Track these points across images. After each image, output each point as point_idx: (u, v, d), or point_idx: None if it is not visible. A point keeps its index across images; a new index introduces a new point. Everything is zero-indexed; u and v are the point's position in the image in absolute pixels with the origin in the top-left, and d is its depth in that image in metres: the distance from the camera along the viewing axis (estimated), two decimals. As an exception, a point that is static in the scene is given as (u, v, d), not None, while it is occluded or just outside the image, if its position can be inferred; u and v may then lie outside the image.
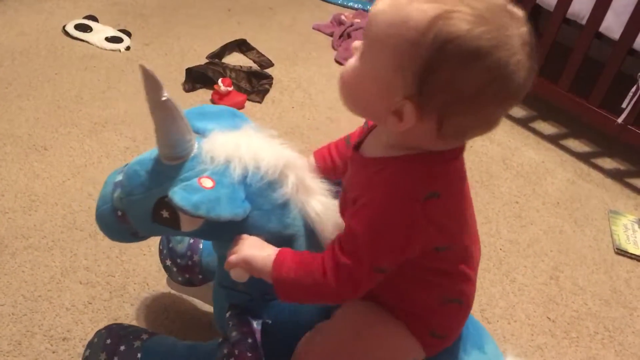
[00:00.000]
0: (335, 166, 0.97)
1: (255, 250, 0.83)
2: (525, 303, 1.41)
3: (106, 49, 1.98)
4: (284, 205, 0.86)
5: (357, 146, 0.85)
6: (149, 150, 0.88)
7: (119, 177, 0.90)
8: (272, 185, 0.85)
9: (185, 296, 1.24)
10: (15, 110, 1.66)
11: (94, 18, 2.09)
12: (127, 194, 0.87)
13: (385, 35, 0.70)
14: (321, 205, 0.88)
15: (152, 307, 1.22)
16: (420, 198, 0.74)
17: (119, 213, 0.89)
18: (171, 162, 0.84)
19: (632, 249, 1.60)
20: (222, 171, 0.83)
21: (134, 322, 1.19)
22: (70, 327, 1.15)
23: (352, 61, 0.76)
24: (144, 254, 1.32)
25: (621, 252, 1.60)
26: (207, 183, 0.81)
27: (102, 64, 1.91)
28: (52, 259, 1.27)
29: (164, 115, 0.81)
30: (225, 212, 0.80)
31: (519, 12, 0.71)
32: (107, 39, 2.00)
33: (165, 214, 0.85)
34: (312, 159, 0.99)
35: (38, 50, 1.93)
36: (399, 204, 0.74)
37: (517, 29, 0.69)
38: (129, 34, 2.06)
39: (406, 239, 0.76)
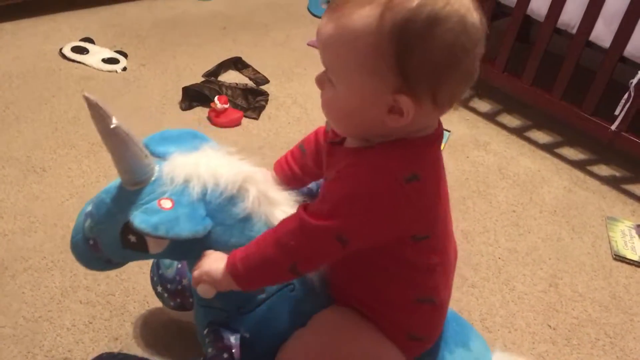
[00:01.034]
0: (294, 174, 0.99)
1: (216, 263, 0.84)
2: (525, 311, 1.41)
3: (103, 70, 2.00)
4: (247, 219, 0.88)
5: (339, 142, 0.85)
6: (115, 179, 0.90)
7: (89, 208, 0.92)
8: (233, 200, 0.87)
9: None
10: (14, 133, 1.68)
11: (90, 40, 2.11)
12: (96, 223, 0.89)
13: (345, 55, 0.72)
14: (285, 216, 0.89)
15: (152, 325, 1.22)
16: (401, 179, 0.74)
17: (91, 242, 0.91)
18: (133, 188, 0.86)
19: (630, 255, 1.61)
20: (180, 191, 0.85)
21: (134, 341, 1.19)
22: (72, 347, 1.16)
23: (326, 92, 0.77)
24: (144, 272, 1.32)
25: (619, 258, 1.60)
26: (166, 204, 0.83)
27: (99, 85, 1.93)
28: (52, 280, 1.28)
29: (115, 142, 0.82)
30: (185, 230, 0.82)
31: None
32: (104, 61, 2.02)
33: (132, 238, 0.87)
34: (273, 172, 1.00)
35: (35, 73, 1.95)
36: (381, 180, 0.75)
37: None
38: (125, 55, 2.08)
39: (382, 217, 0.76)
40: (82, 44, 2.08)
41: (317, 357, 0.88)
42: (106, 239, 0.89)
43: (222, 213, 0.86)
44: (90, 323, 1.21)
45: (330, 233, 0.76)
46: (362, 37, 0.70)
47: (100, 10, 2.33)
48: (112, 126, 0.80)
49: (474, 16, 0.72)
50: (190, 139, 0.92)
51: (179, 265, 1.11)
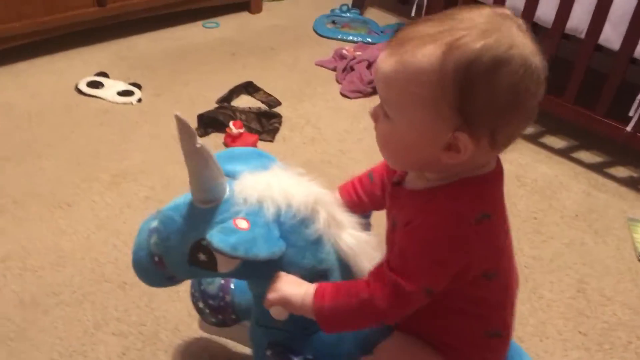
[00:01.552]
0: (361, 201, 0.99)
1: (293, 287, 0.85)
2: (555, 319, 1.41)
3: (119, 103, 2.03)
4: (317, 241, 0.88)
5: (398, 182, 0.86)
6: (180, 195, 0.91)
7: (154, 224, 0.92)
8: (305, 221, 0.87)
9: (217, 338, 1.25)
10: (37, 170, 1.71)
11: (104, 74, 2.15)
12: (164, 240, 0.89)
13: (408, 92, 0.72)
14: (353, 239, 0.90)
15: (185, 353, 1.23)
16: (472, 220, 0.76)
17: (156, 259, 0.91)
18: (205, 206, 0.86)
19: (655, 255, 1.60)
20: (255, 211, 0.85)
21: (169, 370, 1.20)
22: (107, 380, 1.17)
23: (382, 126, 0.78)
24: (173, 301, 1.33)
25: (645, 259, 1.60)
26: (242, 224, 0.83)
27: (115, 118, 1.96)
28: (83, 313, 1.29)
29: (197, 161, 0.83)
30: (263, 251, 0.82)
31: (503, 9, 0.75)
32: (119, 93, 2.05)
33: (202, 257, 0.87)
34: (337, 195, 1.00)
35: (53, 109, 1.98)
36: (453, 226, 0.75)
37: (513, 22, 0.73)
38: (139, 87, 2.11)
39: (459, 262, 0.77)
40: (97, 78, 2.12)
41: None
42: (173, 256, 0.89)
43: (294, 235, 0.86)
44: (124, 354, 1.22)
45: (422, 293, 0.78)
46: (425, 74, 0.70)
47: (111, 45, 2.37)
48: (197, 145, 0.81)
49: (537, 59, 0.72)
50: (256, 158, 0.93)
51: (222, 282, 1.12)
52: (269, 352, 0.92)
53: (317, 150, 1.90)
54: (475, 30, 0.70)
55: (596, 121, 1.89)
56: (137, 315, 1.30)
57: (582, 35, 1.86)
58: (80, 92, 2.06)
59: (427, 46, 0.70)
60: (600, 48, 1.85)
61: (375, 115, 0.79)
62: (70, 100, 2.04)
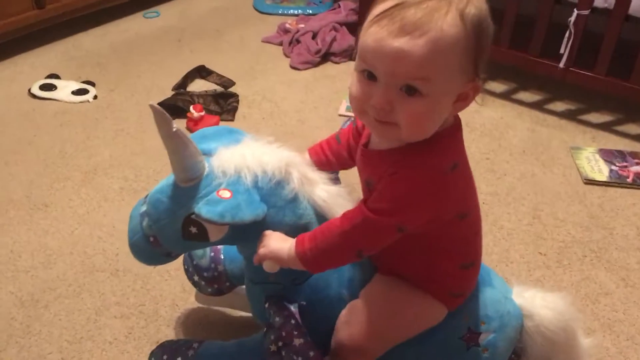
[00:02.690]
0: (328, 161, 1.08)
1: (279, 242, 0.94)
2: (516, 245, 1.55)
3: (75, 102, 2.05)
4: (294, 199, 0.97)
5: (366, 145, 0.95)
6: (163, 179, 0.99)
7: (143, 208, 1.00)
8: (280, 183, 0.96)
9: (214, 308, 1.33)
10: (7, 177, 1.73)
11: (56, 76, 2.16)
12: (156, 221, 0.97)
13: (447, 64, 0.79)
14: (326, 192, 1.00)
15: (186, 323, 1.31)
16: (447, 169, 0.85)
17: (151, 239, 0.99)
18: (188, 184, 0.95)
19: (598, 177, 1.76)
20: (235, 181, 0.94)
21: (174, 341, 1.28)
22: (118, 358, 1.24)
23: (412, 106, 0.81)
24: (166, 279, 1.41)
25: (589, 182, 1.75)
26: (225, 194, 0.92)
27: (75, 117, 1.99)
28: (83, 303, 1.36)
29: (176, 144, 0.91)
30: (247, 215, 0.91)
31: None
32: (74, 93, 2.07)
33: (193, 229, 0.95)
34: (307, 156, 1.10)
35: (10, 117, 1.99)
36: (430, 176, 0.84)
37: None
38: (93, 84, 2.13)
39: (435, 206, 0.87)
40: (49, 80, 2.13)
41: (373, 328, 0.97)
42: (167, 233, 0.96)
43: (273, 196, 0.95)
44: (130, 334, 1.29)
45: (392, 226, 0.87)
46: (458, 43, 0.78)
47: (57, 46, 2.37)
48: (173, 129, 0.89)
49: None
50: (227, 134, 1.01)
51: (212, 254, 1.20)
52: (267, 304, 1.01)
53: (278, 123, 1.98)
54: None
55: (531, 62, 2.03)
56: (135, 297, 1.37)
57: (509, -17, 1.98)
58: (34, 96, 2.08)
59: (446, 18, 0.78)
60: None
61: (390, 103, 0.81)
62: (26, 105, 2.05)
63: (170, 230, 0.97)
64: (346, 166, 1.09)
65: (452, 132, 0.89)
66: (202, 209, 0.90)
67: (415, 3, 0.78)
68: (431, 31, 0.77)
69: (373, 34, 0.80)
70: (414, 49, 0.77)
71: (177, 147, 0.91)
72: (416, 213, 0.87)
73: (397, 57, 0.78)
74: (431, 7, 0.77)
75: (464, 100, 0.85)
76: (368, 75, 0.83)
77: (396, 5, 0.78)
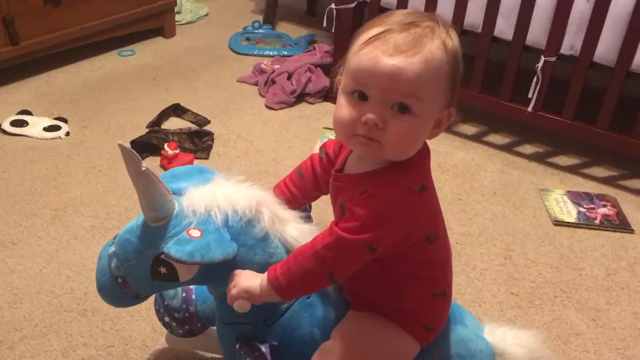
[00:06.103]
0: (294, 197, 1.09)
1: (250, 279, 0.94)
2: (489, 285, 1.56)
3: (47, 139, 2.03)
4: (265, 238, 0.98)
5: (340, 170, 0.97)
6: (132, 220, 0.99)
7: (112, 249, 0.99)
8: (251, 222, 0.97)
9: (184, 349, 1.31)
10: (-26, 213, 1.69)
11: (27, 112, 2.14)
12: (124, 261, 0.96)
13: (436, 83, 0.85)
14: (297, 231, 1.00)
15: (156, 366, 1.29)
16: (415, 190, 0.88)
17: (120, 280, 0.98)
18: (158, 224, 0.94)
19: (567, 218, 1.80)
20: (205, 220, 0.94)
21: (144, 383, 1.24)
22: (85, 402, 1.20)
23: (403, 123, 0.85)
24: (136, 320, 1.38)
25: (559, 223, 1.79)
26: (195, 233, 0.92)
27: (46, 153, 1.96)
28: (49, 344, 1.32)
29: (145, 183, 0.91)
30: (217, 254, 0.91)
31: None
32: (46, 129, 2.05)
33: (163, 270, 0.95)
34: (273, 194, 1.10)
35: (-21, 152, 1.96)
36: (400, 195, 0.88)
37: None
38: (65, 121, 2.12)
39: (405, 225, 0.89)
40: (20, 116, 2.10)
41: None
42: (136, 274, 0.95)
43: (243, 235, 0.95)
44: (97, 376, 1.25)
45: (362, 245, 0.88)
46: (445, 64, 0.85)
47: (30, 82, 2.35)
48: (142, 169, 0.88)
49: None
50: (198, 173, 1.01)
51: (184, 295, 1.19)
52: (238, 345, 1.00)
53: (252, 162, 1.99)
54: (446, 25, 0.87)
55: (501, 106, 2.09)
56: (104, 338, 1.33)
57: (479, 30, 2.04)
58: (4, 132, 2.04)
59: (433, 42, 0.84)
60: (496, 40, 2.05)
61: (383, 120, 0.84)
62: (-4, 141, 2.02)
63: (139, 271, 0.96)
64: (312, 198, 1.12)
65: (422, 155, 0.92)
66: (172, 249, 0.90)
67: (403, 30, 0.84)
68: (423, 52, 0.83)
69: (367, 53, 0.84)
70: (409, 67, 0.82)
71: (146, 187, 0.91)
72: (386, 230, 0.88)
73: (393, 74, 0.82)
74: (419, 33, 0.83)
75: (438, 127, 0.90)
76: (359, 96, 0.86)
77: (384, 31, 0.84)
